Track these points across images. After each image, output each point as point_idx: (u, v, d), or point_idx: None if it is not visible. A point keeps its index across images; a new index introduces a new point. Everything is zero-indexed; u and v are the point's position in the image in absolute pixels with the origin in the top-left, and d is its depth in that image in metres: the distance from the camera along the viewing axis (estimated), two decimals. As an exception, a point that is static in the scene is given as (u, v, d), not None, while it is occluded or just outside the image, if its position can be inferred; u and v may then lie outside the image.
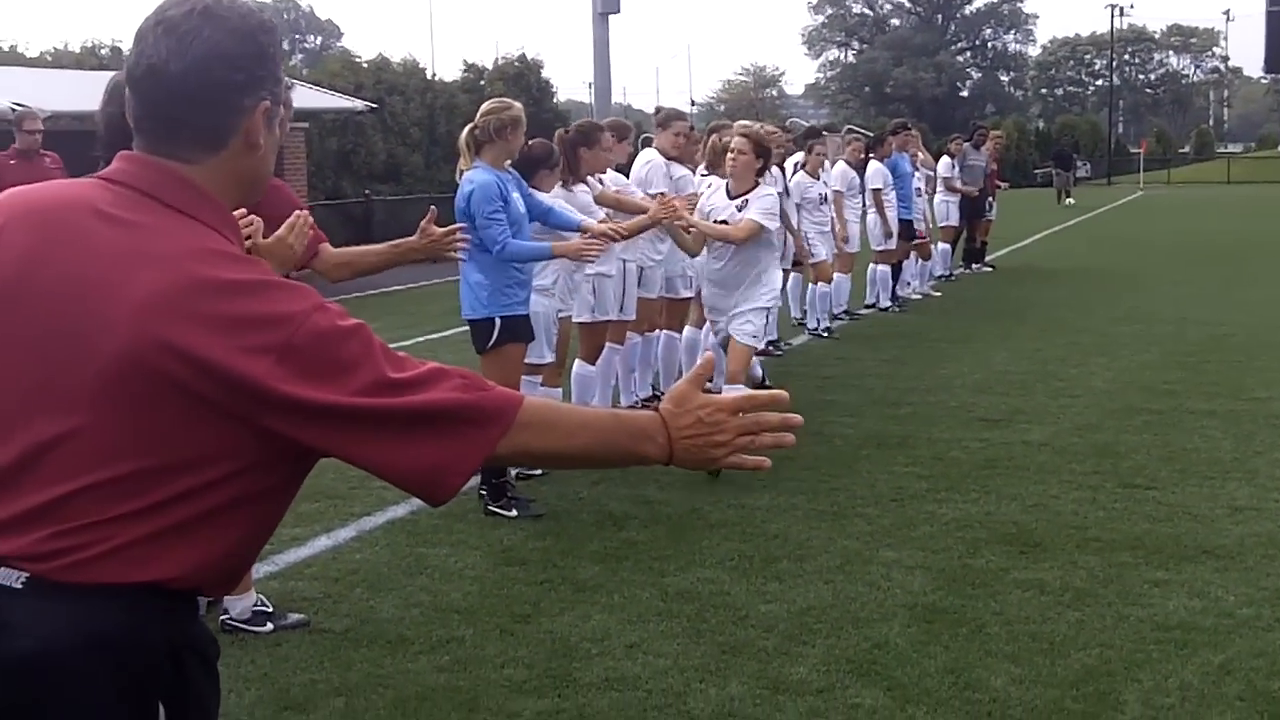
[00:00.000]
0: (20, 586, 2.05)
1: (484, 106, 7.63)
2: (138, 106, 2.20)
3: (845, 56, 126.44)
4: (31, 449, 2.08)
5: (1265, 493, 7.60)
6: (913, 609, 5.89)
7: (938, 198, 19.93)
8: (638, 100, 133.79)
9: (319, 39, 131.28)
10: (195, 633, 2.22)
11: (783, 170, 13.17)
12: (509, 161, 7.56)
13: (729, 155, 8.80)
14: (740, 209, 8.65)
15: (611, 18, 29.93)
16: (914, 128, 19.01)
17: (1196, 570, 6.29)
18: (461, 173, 7.51)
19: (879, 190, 16.10)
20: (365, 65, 34.03)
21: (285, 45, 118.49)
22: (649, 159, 10.14)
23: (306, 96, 23.99)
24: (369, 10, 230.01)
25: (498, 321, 7.38)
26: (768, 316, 8.95)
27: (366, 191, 27.76)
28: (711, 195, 9.02)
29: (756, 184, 8.77)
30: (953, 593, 6.08)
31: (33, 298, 2.11)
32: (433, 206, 5.71)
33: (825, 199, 14.35)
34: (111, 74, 4.86)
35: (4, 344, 2.12)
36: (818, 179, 14.20)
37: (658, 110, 11.25)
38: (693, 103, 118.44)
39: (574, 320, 9.08)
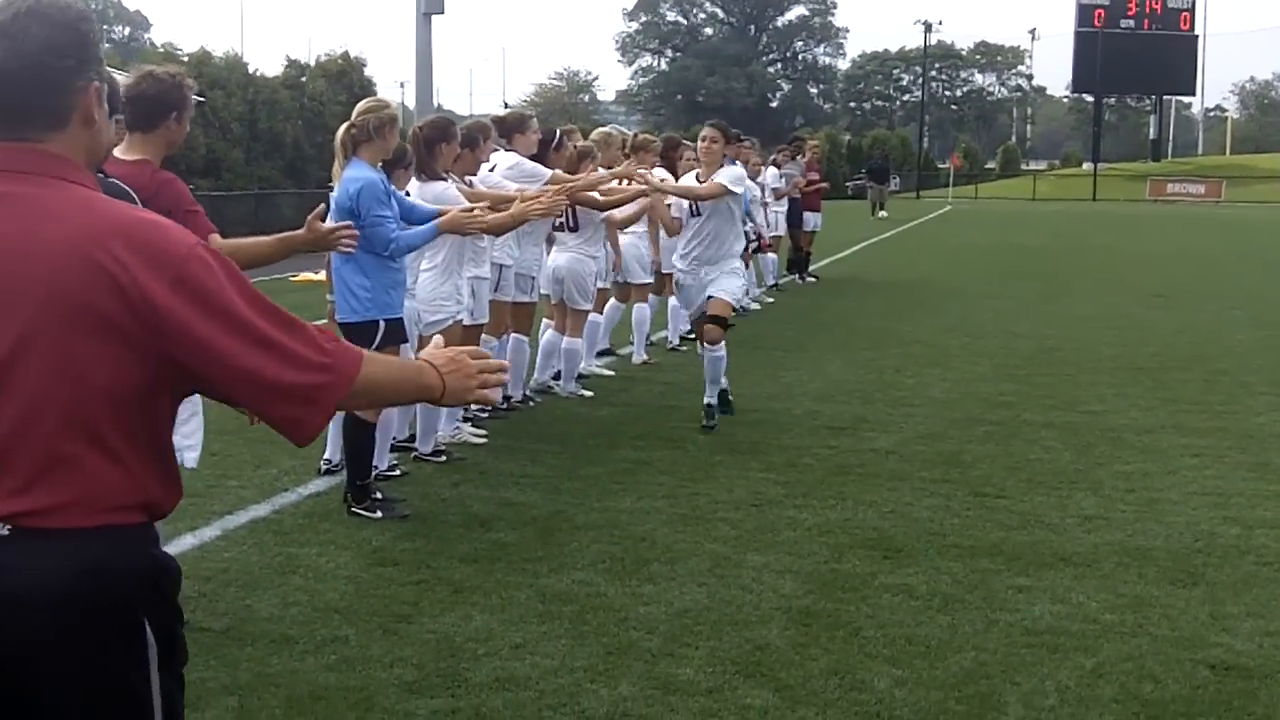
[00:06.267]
0: (7, 534, 2.36)
1: (360, 105, 7.59)
2: None
3: (659, 64, 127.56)
4: None
5: (1111, 503, 7.89)
6: (788, 612, 6.00)
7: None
8: (450, 101, 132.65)
9: (127, 29, 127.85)
10: (164, 557, 2.56)
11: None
12: (381, 161, 7.52)
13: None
14: None
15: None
16: (746, 139, 19.18)
17: (1057, 577, 6.52)
18: (337, 173, 7.48)
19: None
20: (186, 58, 33.28)
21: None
22: (516, 160, 10.05)
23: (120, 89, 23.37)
24: (178, 1, 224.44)
25: (381, 325, 7.34)
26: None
27: (190, 186, 27.17)
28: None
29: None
30: (824, 596, 6.22)
31: None
32: (322, 205, 5.69)
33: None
34: None
35: None
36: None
37: (501, 119, 11.00)
38: (505, 105, 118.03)
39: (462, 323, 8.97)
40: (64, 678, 2.39)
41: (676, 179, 13.57)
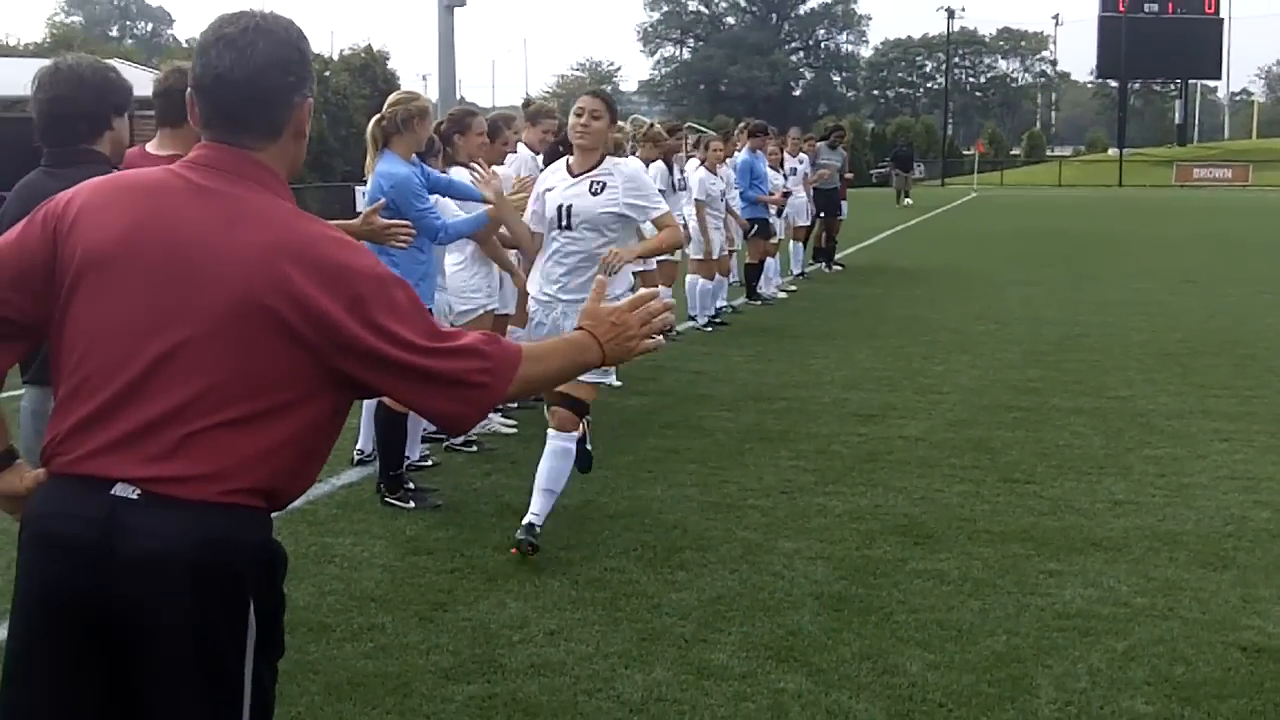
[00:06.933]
0: (136, 497, 2.52)
1: (391, 98, 7.62)
2: (208, 107, 2.70)
3: (681, 54, 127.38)
4: (145, 369, 2.55)
5: (1141, 488, 7.90)
6: (820, 597, 6.04)
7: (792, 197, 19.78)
8: (473, 94, 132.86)
9: (150, 25, 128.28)
10: (277, 545, 2.72)
11: (669, 166, 13.40)
12: (415, 153, 7.55)
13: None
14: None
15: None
16: (770, 130, 19.09)
17: (1087, 562, 6.54)
18: (370, 166, 7.50)
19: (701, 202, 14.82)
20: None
21: (115, 31, 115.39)
22: (519, 155, 10.07)
23: (149, 84, 23.49)
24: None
25: (411, 317, 7.36)
26: None
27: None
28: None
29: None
30: (856, 582, 6.25)
31: (146, 254, 2.59)
32: (381, 198, 5.75)
33: (724, 194, 14.85)
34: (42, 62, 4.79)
35: (122, 292, 2.58)
36: (717, 175, 14.69)
37: (527, 103, 11.13)
38: (527, 96, 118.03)
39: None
40: (166, 642, 2.55)
41: (671, 169, 13.58)
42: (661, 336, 3.10)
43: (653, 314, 3.00)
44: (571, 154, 6.93)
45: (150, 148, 5.47)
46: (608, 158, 6.86)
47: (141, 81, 5.47)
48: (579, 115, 6.75)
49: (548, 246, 6.84)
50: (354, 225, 5.64)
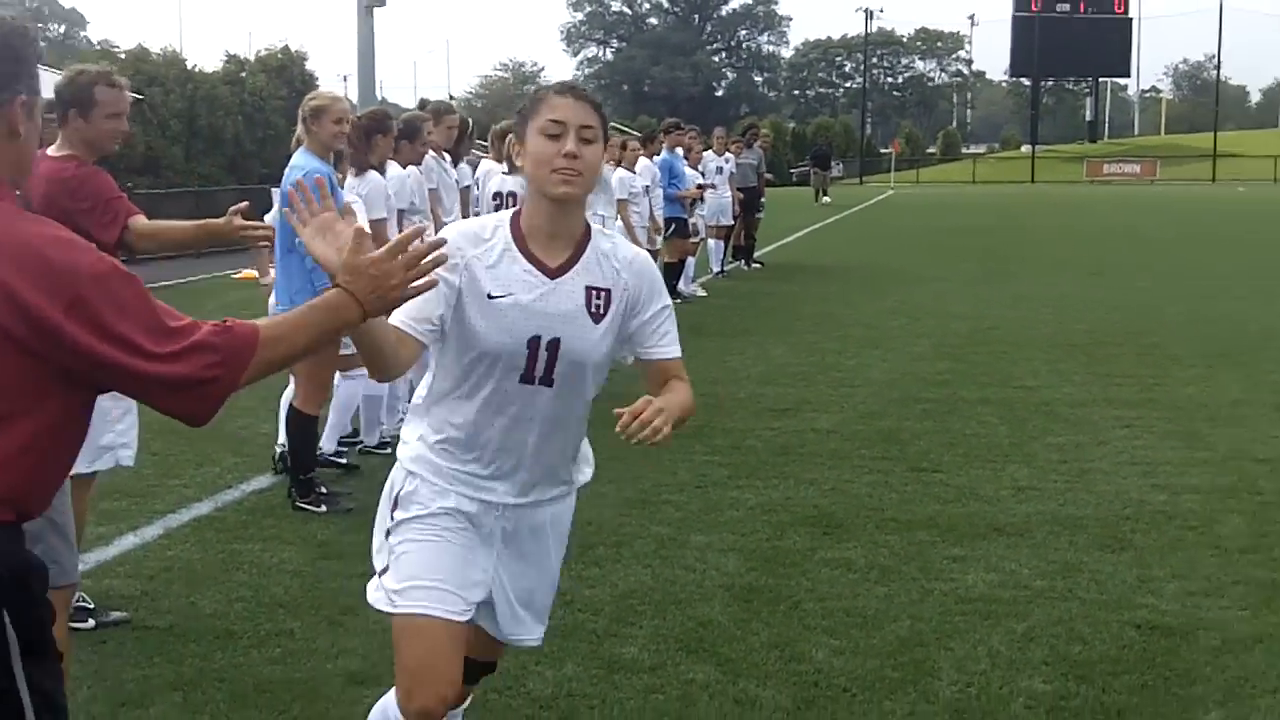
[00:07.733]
0: None
1: None
2: None
3: (604, 54, 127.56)
4: None
5: (1043, 474, 8.07)
6: (730, 589, 6.12)
7: (711, 196, 19.55)
8: (394, 94, 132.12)
9: (62, 27, 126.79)
10: (29, 556, 2.59)
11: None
12: (331, 153, 7.55)
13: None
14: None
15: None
16: (686, 127, 19.14)
17: (990, 547, 6.68)
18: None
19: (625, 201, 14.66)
20: (123, 55, 33.14)
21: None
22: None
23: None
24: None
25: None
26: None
27: (129, 185, 27.05)
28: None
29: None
30: (766, 573, 6.34)
31: None
32: (245, 201, 5.73)
33: (648, 190, 14.97)
34: None
35: None
36: (635, 173, 14.81)
37: (423, 104, 11.03)
38: (451, 98, 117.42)
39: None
40: None
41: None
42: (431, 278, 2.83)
43: (419, 256, 2.81)
44: None
45: (51, 151, 5.45)
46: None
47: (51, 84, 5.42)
48: (554, 136, 3.39)
49: (475, 396, 3.53)
50: (219, 223, 5.61)
